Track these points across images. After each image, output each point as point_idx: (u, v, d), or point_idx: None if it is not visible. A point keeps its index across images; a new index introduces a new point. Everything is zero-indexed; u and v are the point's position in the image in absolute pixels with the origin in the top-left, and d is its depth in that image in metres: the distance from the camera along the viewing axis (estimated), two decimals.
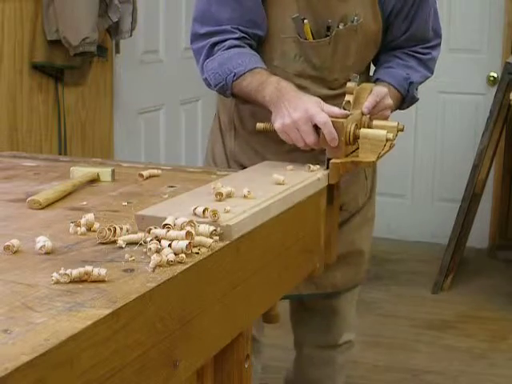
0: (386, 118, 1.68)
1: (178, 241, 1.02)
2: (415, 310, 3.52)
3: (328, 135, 1.50)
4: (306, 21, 1.70)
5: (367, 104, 1.62)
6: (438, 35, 1.91)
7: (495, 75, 4.16)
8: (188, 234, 1.04)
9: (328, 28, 1.73)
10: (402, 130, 1.63)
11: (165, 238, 1.04)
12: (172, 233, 1.05)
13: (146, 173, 1.52)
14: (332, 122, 1.50)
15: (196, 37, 1.75)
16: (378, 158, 1.53)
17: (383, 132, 1.52)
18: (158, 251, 1.01)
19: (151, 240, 1.04)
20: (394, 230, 4.48)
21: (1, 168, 1.61)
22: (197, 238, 1.05)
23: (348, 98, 1.58)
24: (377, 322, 3.39)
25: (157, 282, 0.93)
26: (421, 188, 4.46)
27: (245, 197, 1.26)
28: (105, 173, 1.50)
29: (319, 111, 1.51)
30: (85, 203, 1.32)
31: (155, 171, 1.55)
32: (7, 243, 1.03)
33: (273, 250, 1.27)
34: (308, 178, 1.45)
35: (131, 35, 3.37)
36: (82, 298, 0.87)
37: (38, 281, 0.92)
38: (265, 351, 2.08)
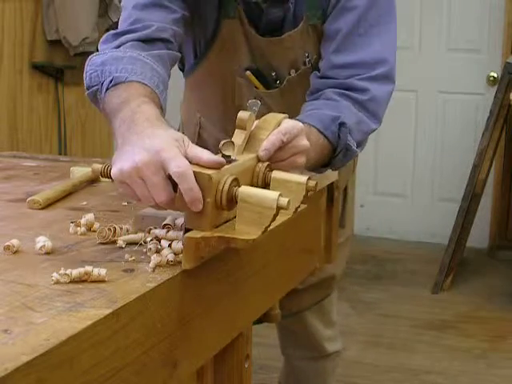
0: (298, 168, 1.17)
1: (178, 241, 1.03)
2: (415, 310, 3.52)
3: (186, 194, 0.95)
4: (248, 72, 1.58)
5: (266, 144, 1.09)
6: (383, 62, 1.46)
7: (495, 75, 4.16)
8: None
9: (275, 79, 1.58)
10: (313, 190, 1.07)
11: (165, 238, 1.04)
12: (172, 233, 1.05)
13: None
14: (196, 174, 0.96)
15: (108, 37, 1.39)
16: (265, 232, 0.98)
17: (273, 195, 0.97)
18: (157, 251, 1.01)
19: (151, 240, 1.04)
20: (394, 230, 4.49)
21: (1, 168, 1.61)
22: None
23: (236, 135, 1.09)
24: (377, 322, 3.39)
25: (157, 281, 0.93)
26: (421, 188, 4.47)
27: None
28: None
29: (177, 155, 0.96)
30: (85, 203, 1.32)
31: None
32: (7, 243, 1.03)
33: (273, 250, 1.27)
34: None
35: None
36: (81, 297, 0.87)
37: (38, 281, 0.92)
38: (258, 351, 2.07)
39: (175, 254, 1.00)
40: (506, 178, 4.26)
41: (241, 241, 0.98)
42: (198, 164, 0.98)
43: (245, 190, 0.99)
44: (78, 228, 1.13)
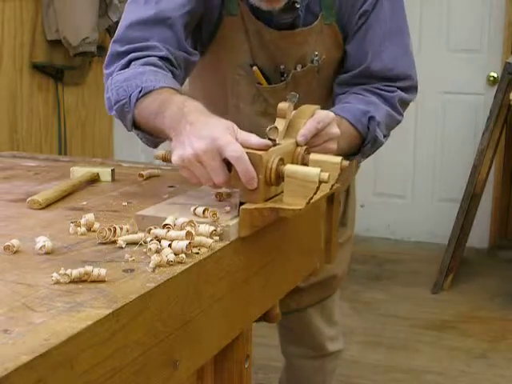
0: (330, 153, 1.29)
1: (178, 241, 1.02)
2: (415, 310, 3.52)
3: (243, 174, 1.10)
4: (254, 68, 1.59)
5: (304, 131, 1.24)
6: (407, 77, 1.61)
7: (495, 75, 4.16)
8: (188, 234, 1.04)
9: (282, 73, 1.60)
10: (345, 170, 1.26)
11: (165, 238, 1.04)
12: (172, 233, 1.05)
13: (145, 173, 1.52)
14: (248, 154, 1.11)
15: (113, 57, 1.44)
16: (309, 204, 1.13)
17: (315, 171, 1.12)
18: (158, 251, 1.01)
19: (151, 240, 1.04)
20: (394, 230, 4.49)
21: (1, 168, 1.61)
22: (197, 238, 1.05)
23: (278, 122, 1.22)
24: (377, 322, 3.39)
25: (157, 281, 0.93)
26: (421, 188, 4.47)
27: None
28: (105, 173, 1.50)
29: (231, 141, 1.11)
30: (85, 203, 1.32)
31: (155, 171, 1.55)
32: (7, 243, 1.03)
33: (273, 249, 1.27)
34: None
35: None
36: (81, 297, 0.87)
37: (38, 281, 0.92)
38: (258, 351, 2.07)
39: (175, 253, 1.00)
40: (506, 177, 4.26)
41: (289, 210, 1.12)
42: (247, 147, 1.12)
43: (290, 168, 1.14)
44: (78, 228, 1.13)
